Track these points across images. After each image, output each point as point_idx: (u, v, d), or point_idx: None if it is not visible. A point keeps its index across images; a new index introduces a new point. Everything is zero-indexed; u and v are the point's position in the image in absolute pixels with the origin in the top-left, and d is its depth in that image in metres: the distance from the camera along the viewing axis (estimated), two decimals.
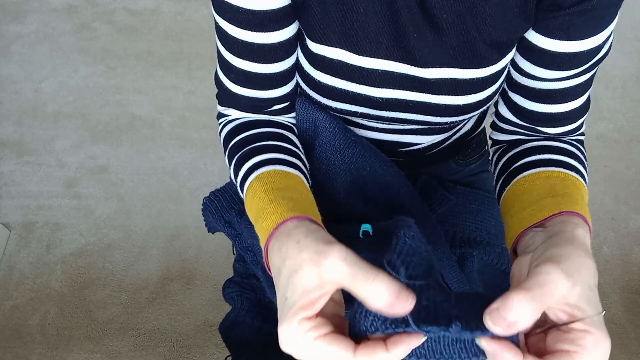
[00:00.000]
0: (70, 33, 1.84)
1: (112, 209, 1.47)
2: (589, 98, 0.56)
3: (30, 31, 1.85)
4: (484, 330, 0.34)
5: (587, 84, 0.54)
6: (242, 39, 0.50)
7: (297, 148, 0.57)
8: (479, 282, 0.67)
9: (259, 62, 0.52)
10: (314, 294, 0.36)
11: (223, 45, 0.53)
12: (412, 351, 0.36)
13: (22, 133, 1.62)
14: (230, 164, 0.56)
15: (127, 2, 1.91)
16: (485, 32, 0.49)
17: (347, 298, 0.39)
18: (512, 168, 0.56)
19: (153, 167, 1.55)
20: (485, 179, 0.78)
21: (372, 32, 0.49)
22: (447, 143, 0.68)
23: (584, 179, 0.52)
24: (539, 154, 0.55)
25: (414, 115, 0.57)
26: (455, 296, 0.36)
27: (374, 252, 0.42)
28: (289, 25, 0.51)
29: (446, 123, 0.58)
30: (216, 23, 0.52)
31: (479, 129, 0.74)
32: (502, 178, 0.57)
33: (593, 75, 0.54)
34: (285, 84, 0.56)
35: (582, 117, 0.57)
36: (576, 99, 0.54)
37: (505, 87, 0.57)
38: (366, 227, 0.46)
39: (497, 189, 0.58)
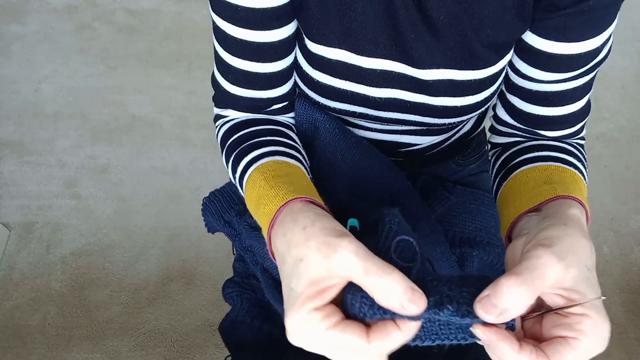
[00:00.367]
0: (70, 33, 1.84)
1: (112, 209, 1.47)
2: (589, 101, 0.55)
3: (30, 31, 1.84)
4: (475, 317, 0.33)
5: (586, 87, 0.53)
6: (240, 38, 0.50)
7: (297, 144, 0.56)
8: None
9: (258, 62, 0.52)
10: (322, 285, 0.34)
11: (221, 46, 0.53)
12: None
13: (22, 133, 1.62)
14: (228, 162, 0.55)
15: (127, 2, 1.91)
16: (483, 34, 0.48)
17: None
18: (509, 165, 0.55)
19: (153, 167, 1.55)
20: (485, 179, 0.78)
21: (370, 32, 0.49)
22: (446, 143, 0.68)
23: (584, 177, 0.51)
24: (537, 151, 0.54)
25: (412, 116, 0.56)
26: (446, 277, 0.35)
27: None
28: (288, 23, 0.50)
29: (444, 124, 0.57)
30: (214, 23, 0.52)
31: (479, 129, 0.74)
32: (500, 175, 0.56)
33: (593, 79, 0.52)
34: (284, 83, 0.56)
35: (582, 121, 0.56)
36: (575, 102, 0.53)
37: (503, 88, 0.57)
38: (353, 222, 0.45)
39: (494, 186, 0.58)
